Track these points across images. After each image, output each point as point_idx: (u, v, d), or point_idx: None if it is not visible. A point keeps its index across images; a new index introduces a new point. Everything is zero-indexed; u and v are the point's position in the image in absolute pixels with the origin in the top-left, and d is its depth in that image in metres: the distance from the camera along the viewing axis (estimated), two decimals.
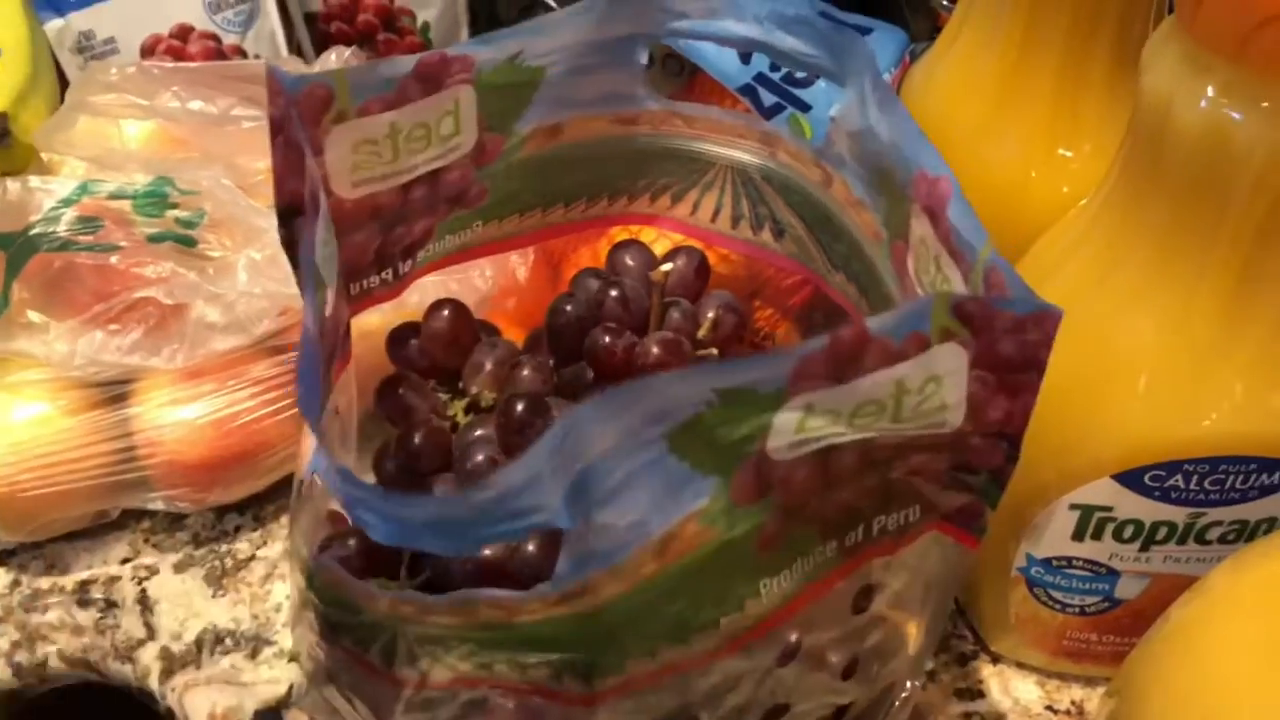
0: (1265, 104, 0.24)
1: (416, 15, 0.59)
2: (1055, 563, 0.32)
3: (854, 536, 0.25)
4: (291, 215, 0.27)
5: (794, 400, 0.22)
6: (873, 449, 0.24)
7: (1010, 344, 0.22)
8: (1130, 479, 0.29)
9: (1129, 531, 0.30)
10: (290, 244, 0.28)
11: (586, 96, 0.33)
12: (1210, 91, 0.24)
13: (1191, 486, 0.29)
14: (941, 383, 0.22)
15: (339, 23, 0.60)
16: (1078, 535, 0.31)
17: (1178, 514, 0.30)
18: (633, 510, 0.22)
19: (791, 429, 0.22)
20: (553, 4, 0.60)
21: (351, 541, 0.29)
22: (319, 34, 0.61)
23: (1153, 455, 0.29)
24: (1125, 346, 0.29)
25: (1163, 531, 0.30)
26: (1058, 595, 0.33)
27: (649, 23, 0.31)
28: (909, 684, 0.31)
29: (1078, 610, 0.33)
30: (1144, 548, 0.31)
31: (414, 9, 0.59)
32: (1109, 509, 0.30)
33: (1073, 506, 0.31)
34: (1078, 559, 0.32)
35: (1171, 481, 0.29)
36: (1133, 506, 0.30)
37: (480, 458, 0.31)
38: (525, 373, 0.32)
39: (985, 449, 0.24)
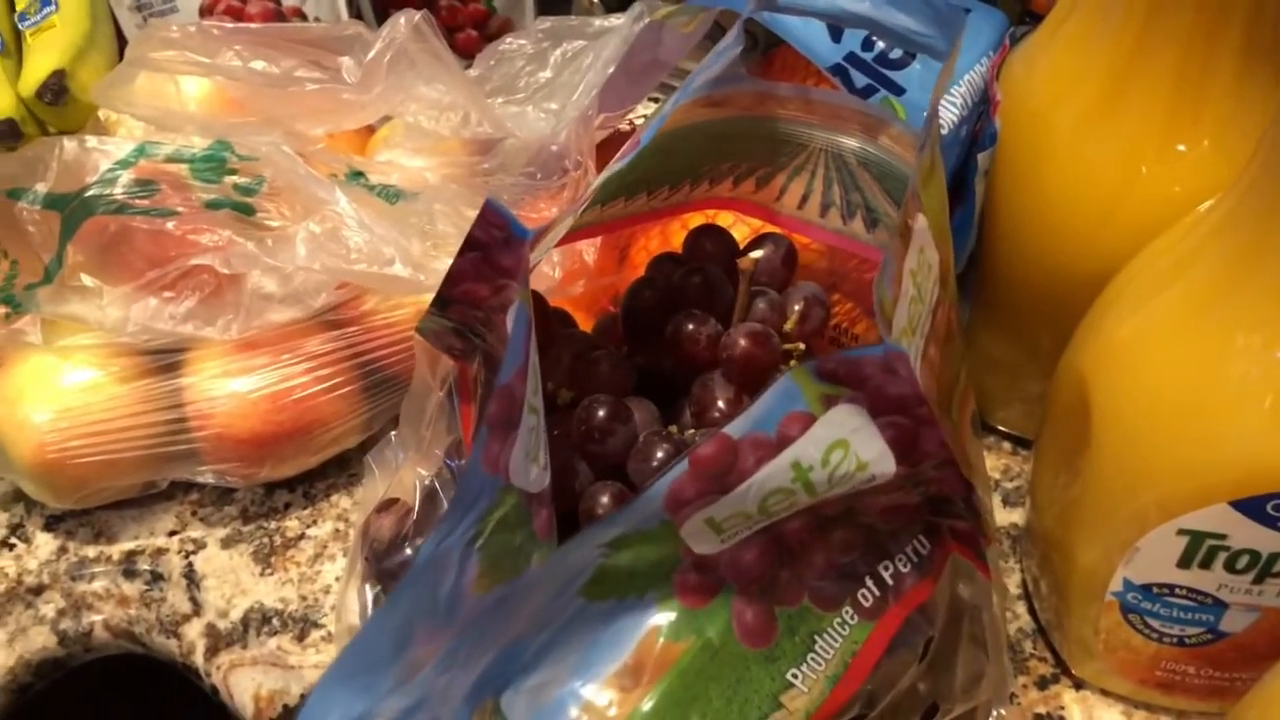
0: None
1: None
2: (1156, 589, 0.30)
3: (868, 595, 0.24)
4: (451, 304, 0.26)
5: (688, 523, 0.22)
6: (818, 509, 0.23)
7: (895, 385, 0.21)
8: (1250, 506, 0.27)
9: (1243, 562, 0.28)
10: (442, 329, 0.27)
11: (690, 85, 0.31)
12: None
13: None
14: (849, 445, 0.22)
15: None
16: (1184, 562, 0.29)
17: None
18: (566, 663, 0.23)
19: (708, 534, 0.22)
20: None
21: None
22: (380, 0, 0.59)
23: (1276, 483, 0.27)
24: (1248, 365, 0.27)
25: None
26: (1155, 624, 0.31)
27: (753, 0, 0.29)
28: (994, 712, 0.29)
29: (1175, 640, 0.31)
30: (1258, 580, 0.29)
31: None
32: (1223, 536, 0.28)
33: (1181, 532, 0.29)
34: (1181, 587, 0.30)
35: None
36: (1250, 536, 0.28)
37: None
38: (603, 367, 0.30)
39: (944, 479, 0.23)
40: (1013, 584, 0.38)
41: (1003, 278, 0.39)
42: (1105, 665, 0.34)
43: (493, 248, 0.25)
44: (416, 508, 0.31)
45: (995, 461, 0.42)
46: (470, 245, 0.25)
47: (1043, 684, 0.35)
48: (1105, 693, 0.35)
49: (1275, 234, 0.26)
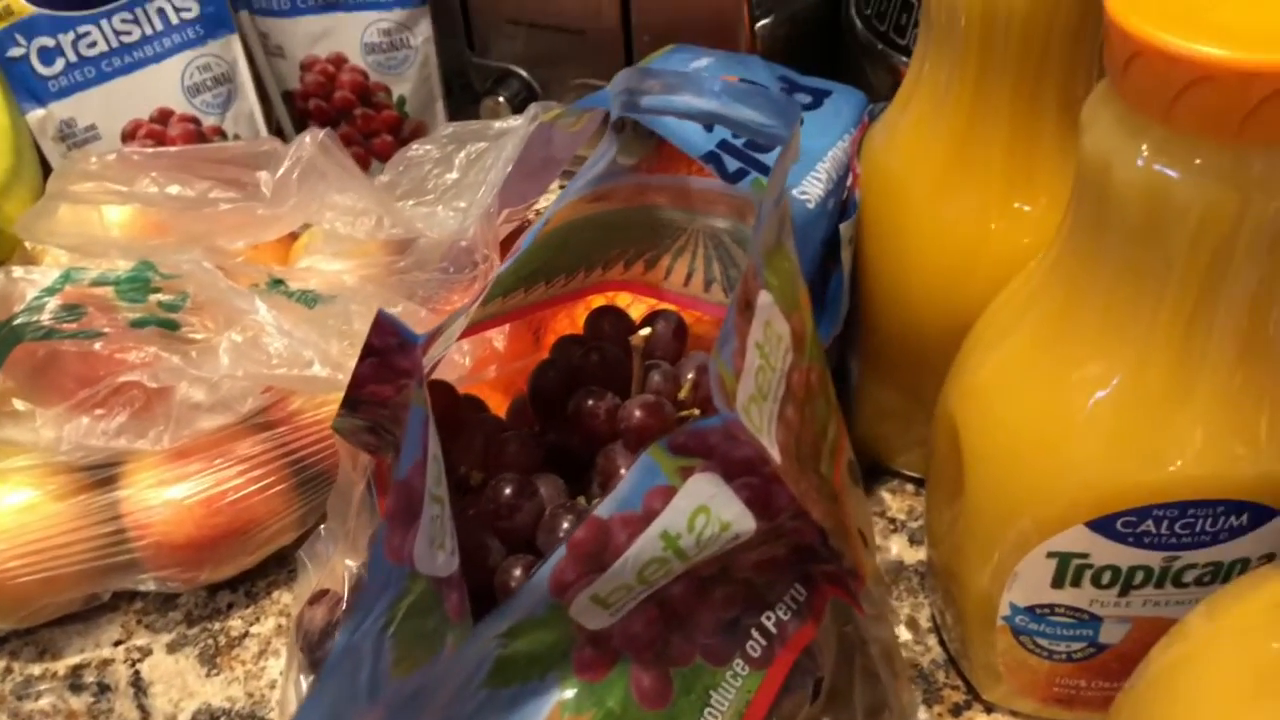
0: (1198, 161, 0.25)
1: (392, 90, 0.61)
2: (1038, 610, 0.33)
3: (755, 646, 0.27)
4: (359, 405, 0.29)
5: (575, 603, 0.24)
6: (695, 572, 0.25)
7: (740, 449, 0.24)
8: (1103, 526, 0.30)
9: (1107, 577, 0.31)
10: (355, 429, 0.29)
11: (574, 185, 0.34)
12: (1145, 151, 0.25)
13: (1163, 531, 0.30)
14: (710, 509, 0.24)
15: (316, 100, 0.61)
16: (1057, 582, 0.32)
17: (1152, 558, 0.30)
18: None
19: (596, 610, 0.24)
20: (523, 73, 0.61)
21: None
22: (297, 111, 0.62)
23: (1122, 502, 0.29)
24: (1086, 396, 0.30)
25: (1139, 576, 0.31)
26: (1043, 642, 0.34)
27: (618, 105, 0.32)
28: None
29: (1064, 657, 0.34)
30: (1123, 593, 0.31)
31: (389, 85, 0.60)
32: (1085, 555, 0.31)
33: (1050, 554, 0.31)
34: (1059, 606, 0.32)
35: (1143, 527, 0.30)
36: (1108, 552, 0.30)
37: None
38: (512, 448, 0.32)
39: (800, 529, 0.26)
40: (923, 618, 0.40)
41: (881, 333, 0.42)
42: (1010, 687, 0.36)
43: (389, 353, 0.27)
44: (345, 597, 0.32)
45: (900, 503, 0.45)
46: (369, 351, 0.27)
47: (956, 711, 0.37)
48: (1015, 713, 0.37)
49: (1085, 281, 0.29)
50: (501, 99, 0.60)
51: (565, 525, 0.30)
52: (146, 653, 0.41)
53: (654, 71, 0.34)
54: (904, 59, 0.53)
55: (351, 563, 0.34)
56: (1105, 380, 0.29)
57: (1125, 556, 0.30)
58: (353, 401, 0.28)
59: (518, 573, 0.29)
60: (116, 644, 0.41)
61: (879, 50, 0.53)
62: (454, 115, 0.63)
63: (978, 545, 0.34)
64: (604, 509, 0.23)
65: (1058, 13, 0.32)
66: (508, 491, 0.30)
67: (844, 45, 0.58)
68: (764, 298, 0.27)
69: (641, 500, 0.23)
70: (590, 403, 0.33)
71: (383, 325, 0.27)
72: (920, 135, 0.37)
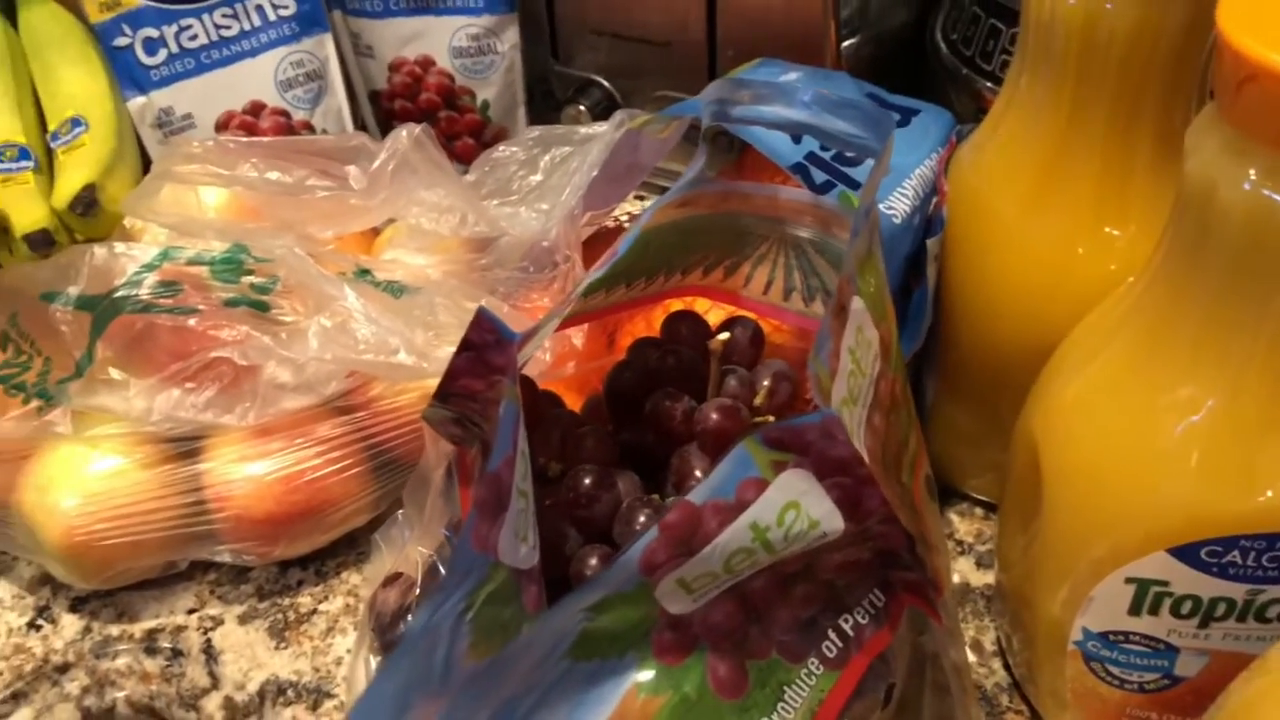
0: None
1: (476, 94, 0.62)
2: (1112, 637, 0.32)
3: (831, 646, 0.27)
4: (451, 397, 0.29)
5: (661, 585, 0.24)
6: (779, 567, 0.25)
7: (835, 449, 0.24)
8: (1186, 554, 0.29)
9: (1186, 607, 0.31)
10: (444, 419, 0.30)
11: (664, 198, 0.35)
12: (1253, 175, 0.25)
13: (1249, 563, 0.29)
14: (801, 505, 0.24)
15: (402, 100, 0.63)
16: (1134, 610, 0.31)
17: (1236, 590, 0.30)
18: None
19: (680, 594, 0.25)
20: (605, 83, 0.62)
21: None
22: (382, 111, 0.64)
23: (1208, 530, 0.29)
24: (1176, 421, 0.30)
25: (1221, 608, 0.30)
26: (1115, 671, 0.33)
27: (709, 114, 0.33)
28: None
29: (1136, 687, 0.33)
30: (1203, 624, 0.31)
31: (474, 89, 0.62)
32: (1165, 583, 0.30)
33: (1129, 580, 0.31)
34: (1135, 634, 0.32)
35: (1229, 557, 0.29)
36: (1189, 582, 0.30)
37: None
38: (589, 443, 0.33)
39: (888, 533, 0.26)
40: (988, 641, 0.40)
41: (961, 353, 0.42)
42: (1077, 715, 0.36)
43: (485, 348, 0.28)
44: (419, 581, 0.33)
45: (969, 526, 0.44)
46: (465, 346, 0.28)
47: None
48: None
49: (1181, 307, 0.29)
50: (583, 107, 0.61)
51: (642, 518, 0.30)
52: (219, 622, 0.42)
53: (746, 82, 0.34)
54: (988, 84, 0.53)
55: (425, 550, 0.34)
56: (1197, 405, 0.29)
57: (1208, 587, 0.30)
58: (445, 393, 0.29)
59: (594, 561, 0.30)
60: (190, 612, 0.42)
61: (963, 75, 0.53)
62: (534, 122, 0.64)
63: (1053, 568, 0.34)
64: (697, 495, 0.24)
65: (1161, 35, 0.32)
66: (587, 482, 0.31)
67: (927, 68, 0.58)
68: (856, 303, 0.27)
69: (734, 490, 0.24)
70: (668, 404, 0.34)
71: (482, 321, 0.28)
72: (1010, 156, 0.38)
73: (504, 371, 0.29)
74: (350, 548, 0.44)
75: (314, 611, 0.42)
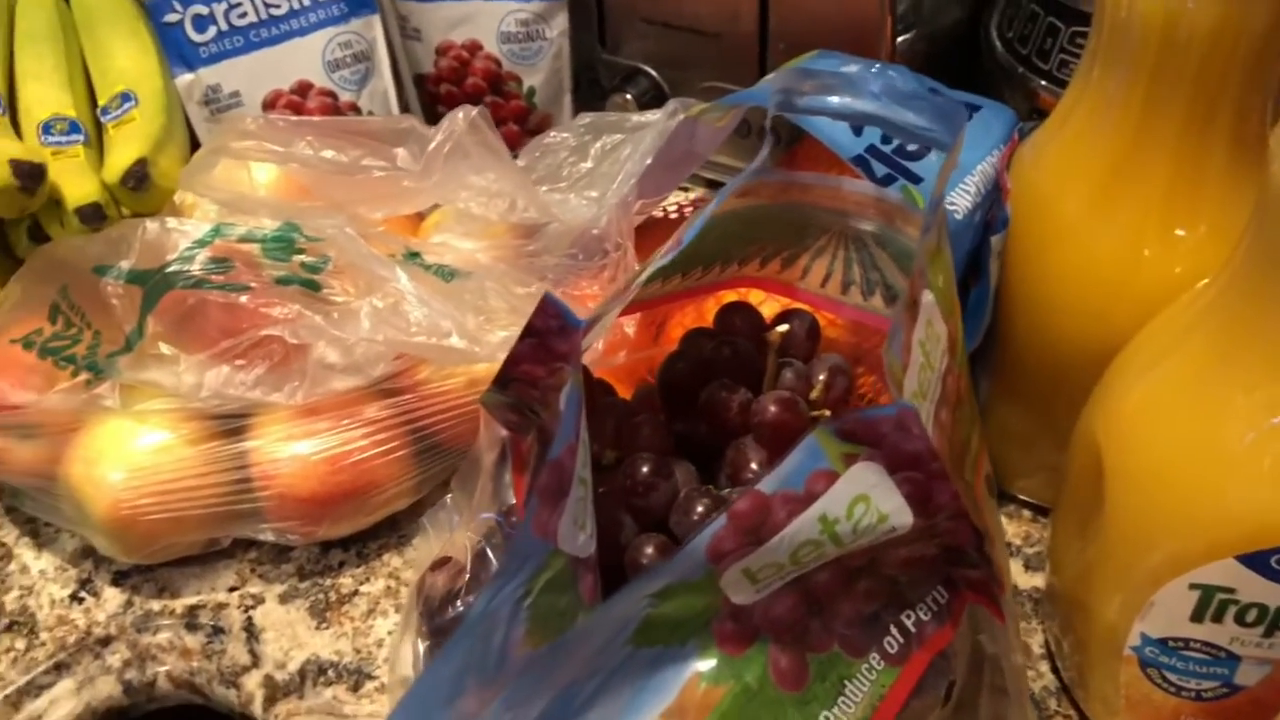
0: None
1: (522, 80, 0.61)
2: (1171, 644, 0.32)
3: (893, 642, 0.26)
4: (511, 383, 0.29)
5: (727, 574, 0.24)
6: (844, 561, 0.25)
7: (908, 442, 0.24)
8: (1255, 561, 0.29)
9: (1252, 615, 0.30)
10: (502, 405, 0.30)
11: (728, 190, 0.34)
12: None
13: None
14: (871, 499, 0.24)
15: (448, 85, 0.62)
16: (1197, 616, 0.31)
17: None
18: (616, 706, 0.24)
19: (744, 584, 0.24)
20: (653, 73, 0.62)
21: None
22: (428, 95, 0.63)
23: (1279, 539, 0.28)
24: (1249, 426, 0.29)
25: None
26: (1172, 678, 0.33)
27: (774, 104, 0.32)
28: None
29: (1193, 695, 0.33)
30: (1268, 633, 0.30)
31: (520, 74, 0.61)
32: (1231, 590, 0.30)
33: (1192, 586, 0.30)
34: (1195, 641, 0.31)
35: None
36: (1257, 590, 0.29)
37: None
38: (645, 431, 0.32)
39: (956, 530, 0.25)
40: (1036, 644, 0.40)
41: (1018, 352, 0.41)
42: None
43: (549, 335, 0.28)
44: (468, 567, 0.33)
45: (1016, 529, 0.44)
46: (529, 331, 0.28)
47: None
48: None
49: (1260, 311, 0.28)
50: (629, 96, 0.61)
51: (700, 508, 0.30)
52: (260, 600, 0.42)
53: (812, 71, 0.34)
54: (1043, 83, 0.52)
55: (474, 535, 0.34)
56: (1273, 410, 0.28)
57: (1276, 595, 0.29)
58: (505, 379, 0.29)
59: (650, 550, 0.29)
60: (231, 589, 0.42)
61: (1019, 74, 0.53)
62: (580, 110, 0.63)
63: (1112, 572, 0.33)
64: (767, 484, 0.24)
65: (1242, 34, 0.31)
66: (645, 470, 0.30)
67: (980, 66, 0.57)
68: (926, 297, 0.27)
69: (804, 481, 0.24)
70: (724, 395, 0.33)
71: (547, 307, 0.27)
72: (1077, 153, 0.37)
73: (566, 359, 0.29)
74: (392, 530, 0.44)
75: (355, 593, 0.42)
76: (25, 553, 0.44)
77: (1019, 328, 0.40)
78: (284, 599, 0.42)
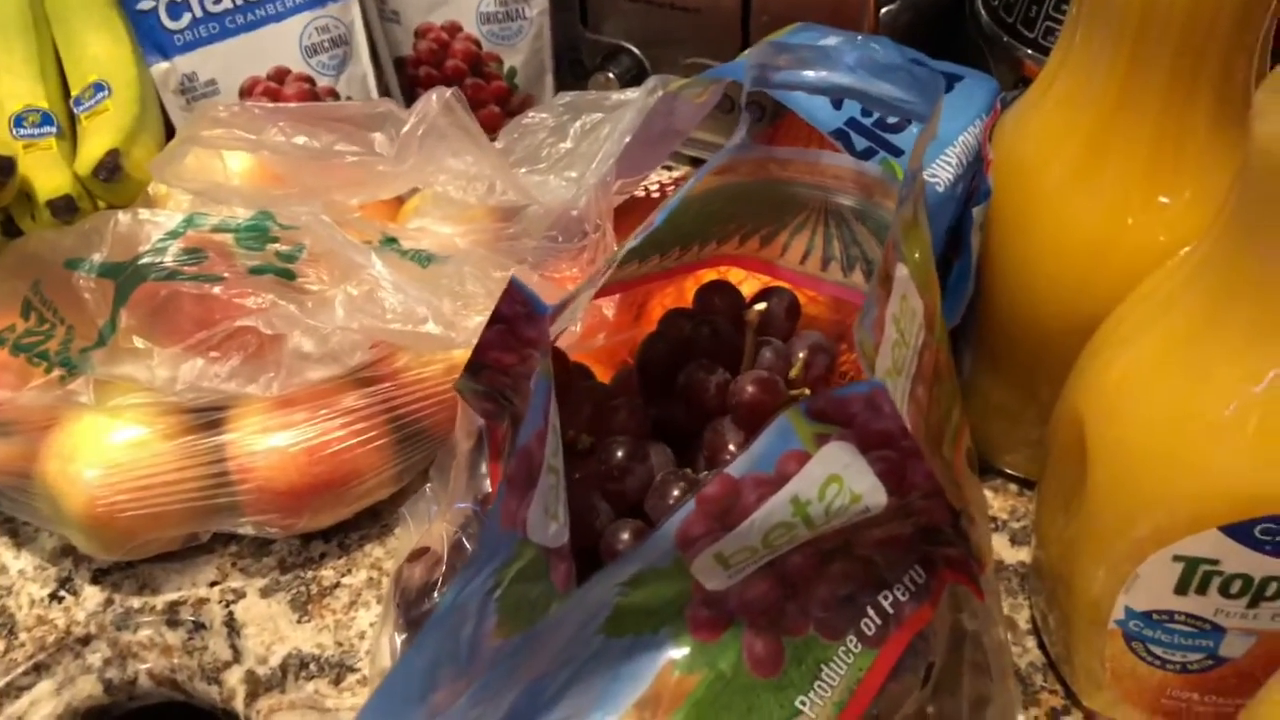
0: None
1: (503, 61, 0.61)
2: (1155, 616, 0.31)
3: (870, 624, 0.26)
4: (482, 370, 0.29)
5: (697, 560, 0.24)
6: (818, 543, 0.25)
7: (879, 421, 0.23)
8: (1239, 531, 0.28)
9: (1236, 586, 0.30)
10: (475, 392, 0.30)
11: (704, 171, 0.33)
12: None
13: None
14: (843, 479, 0.23)
15: (427, 67, 0.62)
16: (1180, 588, 0.30)
17: None
18: (588, 697, 0.24)
19: (716, 570, 0.24)
20: (635, 50, 0.61)
21: None
22: (407, 78, 0.63)
23: (1264, 507, 0.28)
24: (1233, 395, 0.28)
25: (1273, 587, 0.29)
26: (1157, 650, 0.32)
27: (749, 79, 0.32)
28: None
29: (1178, 667, 0.32)
30: (1252, 604, 0.30)
31: (501, 55, 0.61)
32: (1215, 562, 0.29)
33: (1176, 558, 0.30)
34: (1180, 613, 0.31)
35: None
36: (1241, 560, 0.29)
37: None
38: (621, 415, 0.32)
39: (931, 508, 0.25)
40: (1022, 619, 0.39)
41: (1001, 326, 0.41)
42: (1113, 695, 0.35)
43: (517, 321, 0.27)
44: (445, 557, 0.32)
45: (1002, 503, 0.43)
46: (496, 318, 0.27)
47: (1054, 716, 0.36)
48: None
49: (1244, 277, 0.28)
50: (611, 75, 0.60)
51: (675, 492, 0.29)
52: (240, 595, 0.42)
53: (788, 45, 0.33)
54: (1029, 51, 0.51)
55: (451, 525, 0.34)
56: (1257, 377, 0.28)
57: (1260, 566, 0.29)
58: (476, 366, 0.28)
59: (626, 536, 0.29)
60: (212, 584, 0.42)
61: (1004, 42, 0.52)
62: (562, 89, 0.63)
63: (1096, 545, 0.33)
64: (736, 468, 0.23)
65: None
66: (619, 454, 0.30)
67: (965, 36, 0.56)
68: (901, 271, 0.26)
69: (775, 463, 0.23)
70: (702, 376, 0.33)
71: (514, 293, 0.27)
72: (1059, 121, 0.36)
73: (535, 345, 0.28)
74: (374, 521, 0.44)
75: (336, 585, 0.42)
76: (4, 552, 0.43)
77: (1001, 300, 0.40)
78: (265, 593, 0.41)
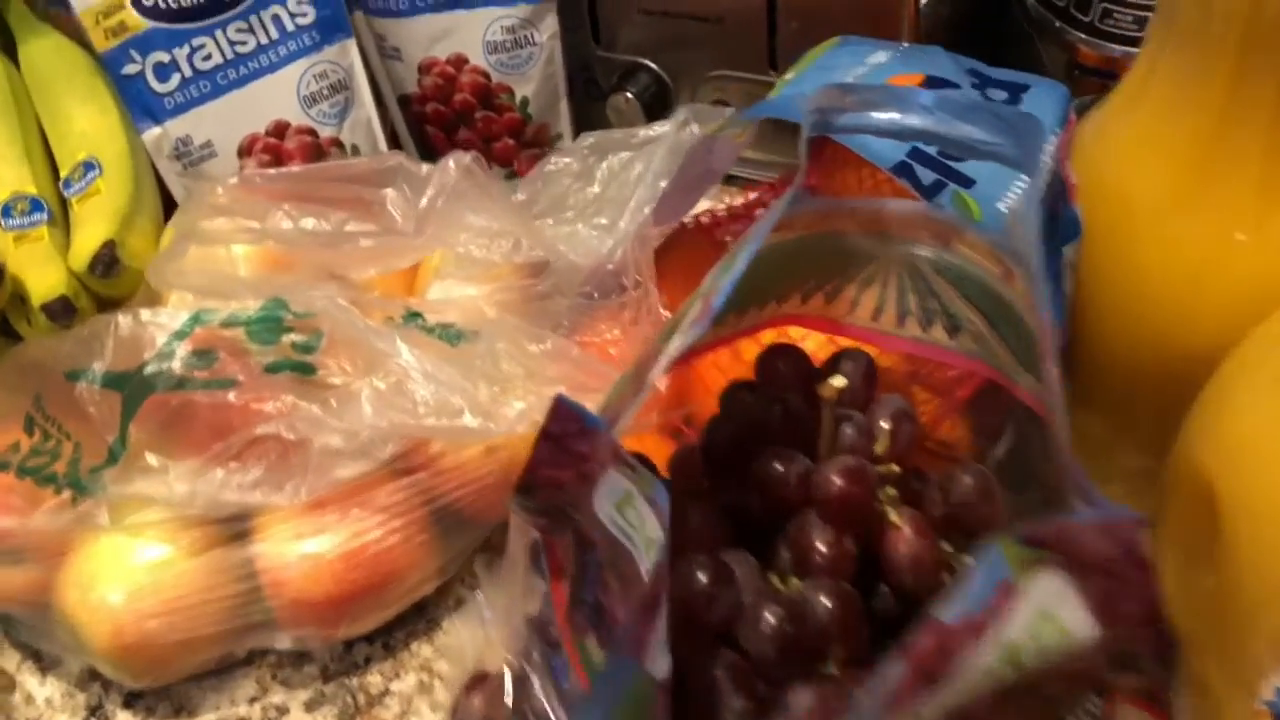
0: None
1: (515, 91, 0.57)
2: None
3: None
4: (535, 490, 0.26)
5: None
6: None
7: (1104, 542, 0.20)
8: None
9: None
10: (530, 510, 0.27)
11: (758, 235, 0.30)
12: None
13: None
14: (1054, 615, 0.20)
15: (434, 104, 0.58)
16: None
17: None
18: None
19: None
20: (653, 66, 0.57)
21: None
22: (414, 116, 0.59)
23: None
24: None
25: None
26: None
27: (809, 124, 0.28)
28: None
29: None
30: None
31: (512, 85, 0.57)
32: None
33: None
34: None
35: None
36: None
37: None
38: (695, 522, 0.28)
39: (1137, 638, 0.21)
40: None
41: (1094, 356, 0.36)
42: None
43: (568, 438, 0.24)
44: (508, 691, 0.29)
45: None
46: (545, 436, 0.24)
47: None
48: None
49: None
50: (630, 94, 0.56)
51: (771, 620, 0.26)
52: (284, 711, 0.38)
53: (852, 87, 0.29)
54: (1084, 36, 0.47)
55: (510, 654, 0.30)
56: None
57: None
58: (528, 485, 0.25)
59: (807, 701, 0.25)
60: (252, 700, 0.39)
61: (1055, 27, 0.48)
62: (578, 115, 0.59)
63: (1240, 617, 0.29)
64: (947, 613, 0.20)
65: None
66: (702, 579, 0.26)
67: (1010, 23, 0.52)
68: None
69: (983, 601, 0.20)
70: (779, 468, 0.29)
71: (561, 411, 0.24)
72: (1152, 135, 0.32)
73: (591, 459, 0.25)
74: (419, 615, 0.40)
75: (385, 692, 0.38)
76: (29, 679, 0.40)
77: (1095, 328, 0.36)
78: (309, 706, 0.38)
